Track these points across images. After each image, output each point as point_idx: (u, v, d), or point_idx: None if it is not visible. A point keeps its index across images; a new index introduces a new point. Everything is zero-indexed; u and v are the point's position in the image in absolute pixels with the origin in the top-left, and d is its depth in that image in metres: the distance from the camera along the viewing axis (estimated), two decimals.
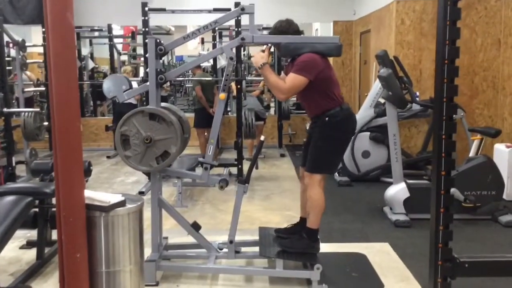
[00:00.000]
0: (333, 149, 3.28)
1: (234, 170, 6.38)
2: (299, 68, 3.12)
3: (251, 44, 3.38)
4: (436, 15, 6.16)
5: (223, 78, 3.41)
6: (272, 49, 4.05)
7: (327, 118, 3.21)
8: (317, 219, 3.29)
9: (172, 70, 4.12)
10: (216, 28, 8.64)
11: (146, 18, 5.83)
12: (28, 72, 8.57)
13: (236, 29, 6.05)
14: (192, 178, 3.45)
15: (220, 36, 9.75)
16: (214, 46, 8.64)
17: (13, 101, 8.24)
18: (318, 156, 3.27)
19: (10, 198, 3.11)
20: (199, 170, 5.82)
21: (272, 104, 10.51)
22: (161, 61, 3.49)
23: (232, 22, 6.47)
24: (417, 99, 5.79)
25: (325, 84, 3.20)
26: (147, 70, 3.43)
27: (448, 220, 2.05)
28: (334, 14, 9.22)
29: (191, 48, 14.69)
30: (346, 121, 3.28)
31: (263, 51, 3.29)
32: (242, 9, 3.34)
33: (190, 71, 8.21)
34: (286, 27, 3.35)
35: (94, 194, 2.18)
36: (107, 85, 3.34)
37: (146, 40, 3.54)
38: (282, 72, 3.51)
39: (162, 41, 3.36)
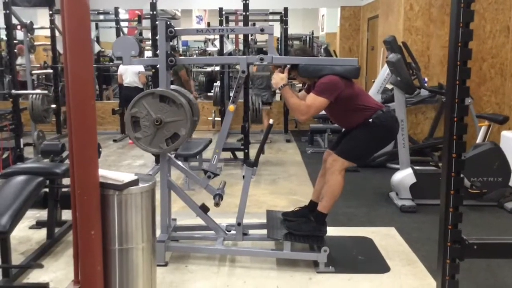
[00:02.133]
0: (372, 145, 3.35)
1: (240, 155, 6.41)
2: (320, 89, 3.17)
3: (269, 64, 3.40)
4: (445, 1, 6.10)
5: (234, 90, 3.42)
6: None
7: (371, 120, 3.24)
8: (330, 204, 3.32)
9: (182, 58, 4.13)
10: (223, 13, 8.61)
11: (154, 0, 5.81)
12: (31, 56, 8.56)
13: (244, 13, 6.03)
14: (193, 180, 3.45)
15: (227, 21, 9.71)
16: (220, 36, 8.60)
17: None
18: (355, 144, 3.31)
19: (21, 177, 3.16)
20: (205, 154, 5.90)
21: (278, 91, 10.52)
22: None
23: (239, 7, 6.47)
24: (426, 85, 5.78)
25: (351, 101, 3.24)
26: (157, 52, 3.42)
27: (458, 202, 2.06)
28: None
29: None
30: (391, 121, 3.32)
31: (282, 72, 3.31)
32: (262, 29, 3.35)
33: None
34: (301, 54, 3.42)
35: (108, 173, 2.20)
36: (117, 45, 3.32)
37: (156, 23, 3.53)
38: (303, 91, 3.54)
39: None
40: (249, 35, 7.91)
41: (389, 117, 3.31)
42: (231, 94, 7.94)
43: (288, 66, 3.33)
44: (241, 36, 8.18)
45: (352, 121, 3.33)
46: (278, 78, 3.27)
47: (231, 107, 3.36)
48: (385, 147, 3.45)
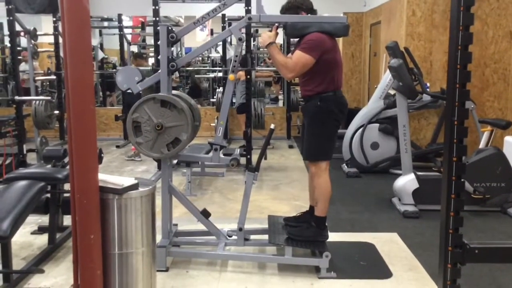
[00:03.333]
0: (325, 134, 3.30)
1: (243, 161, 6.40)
2: (306, 46, 3.13)
3: (258, 23, 3.40)
4: (447, 6, 6.10)
5: (232, 59, 3.41)
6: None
7: (319, 102, 3.22)
8: (324, 206, 3.32)
9: (182, 57, 4.14)
10: (226, 19, 8.64)
11: (157, 7, 5.84)
12: (35, 63, 8.61)
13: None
14: (203, 160, 3.48)
15: (230, 24, 9.73)
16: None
17: None
18: (312, 144, 3.30)
19: (23, 182, 3.16)
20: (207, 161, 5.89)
21: (280, 97, 10.52)
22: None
23: (242, 13, 6.49)
24: (428, 90, 5.77)
25: (329, 65, 3.21)
26: (159, 57, 3.44)
27: (459, 206, 2.05)
28: (344, 5, 9.15)
29: (200, 40, 14.69)
30: (336, 106, 3.28)
31: (270, 30, 3.30)
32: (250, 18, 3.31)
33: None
34: (300, 2, 3.35)
35: (108, 177, 2.21)
36: (120, 78, 3.36)
37: (158, 28, 3.54)
38: (290, 54, 3.52)
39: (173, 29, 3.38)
40: (252, 40, 7.90)
41: (333, 100, 3.24)
42: (234, 100, 7.88)
43: (276, 24, 3.32)
44: (244, 44, 8.21)
45: (314, 87, 3.25)
46: (266, 36, 3.25)
47: (231, 76, 3.34)
48: (337, 129, 3.38)
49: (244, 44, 3.92)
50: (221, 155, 3.47)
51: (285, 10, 3.38)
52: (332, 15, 3.75)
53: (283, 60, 3.20)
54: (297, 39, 3.36)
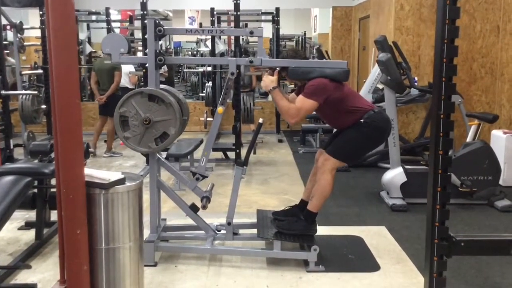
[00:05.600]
0: (364, 145, 3.36)
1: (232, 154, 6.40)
2: (309, 92, 3.17)
3: (259, 67, 3.40)
4: (435, 0, 6.12)
5: (223, 92, 3.40)
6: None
7: (362, 121, 3.25)
8: (320, 203, 3.32)
9: (173, 57, 4.12)
10: (215, 13, 8.60)
11: (145, 1, 5.79)
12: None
13: (235, 13, 6.03)
14: (182, 182, 3.42)
15: (219, 21, 9.70)
16: (212, 37, 8.59)
17: None
18: (346, 144, 3.32)
19: (9, 178, 3.12)
20: (196, 154, 5.88)
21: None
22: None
23: (231, 7, 6.46)
24: (416, 84, 5.80)
25: (341, 103, 3.25)
26: (146, 51, 3.41)
27: (445, 199, 2.07)
28: None
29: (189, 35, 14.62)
30: (383, 121, 3.33)
31: (272, 74, 3.31)
32: (251, 32, 3.35)
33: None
34: (293, 55, 3.41)
35: (94, 171, 2.19)
36: (106, 42, 3.29)
37: (146, 21, 3.51)
38: (293, 93, 3.55)
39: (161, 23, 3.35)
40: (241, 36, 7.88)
41: (381, 117, 3.32)
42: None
43: (277, 68, 3.32)
44: (233, 37, 8.17)
45: (343, 123, 3.34)
46: (268, 81, 3.26)
47: (220, 109, 3.35)
48: (376, 148, 3.44)
49: (233, 38, 3.91)
50: (198, 185, 3.43)
51: (285, 57, 3.44)
52: (333, 61, 3.79)
53: (286, 106, 3.21)
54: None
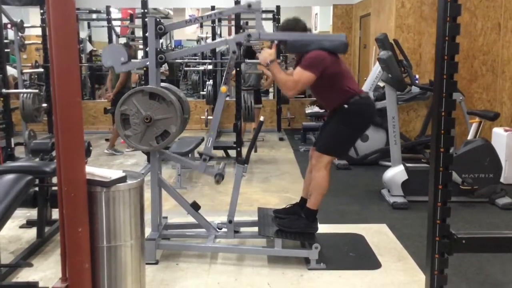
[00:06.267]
0: (349, 134, 3.34)
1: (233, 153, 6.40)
2: (306, 64, 3.15)
3: (257, 41, 3.37)
4: None
5: (225, 71, 3.40)
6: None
7: (346, 106, 3.24)
8: (318, 200, 3.33)
9: (173, 52, 4.11)
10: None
11: None
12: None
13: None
14: (190, 167, 3.43)
15: (219, 20, 9.69)
16: (213, 29, 8.59)
17: None
18: (332, 138, 3.32)
19: (10, 176, 3.12)
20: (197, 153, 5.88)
21: (271, 89, 10.51)
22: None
23: (231, 5, 6.45)
24: (417, 82, 5.79)
25: (336, 79, 3.23)
26: (147, 49, 3.41)
27: (446, 197, 2.06)
28: None
29: (190, 32, 14.61)
30: (366, 108, 3.32)
31: (270, 47, 3.30)
32: (249, 5, 3.31)
33: None
34: (293, 25, 3.38)
35: (95, 169, 2.19)
36: (106, 54, 3.31)
37: (146, 20, 3.52)
38: (291, 68, 3.53)
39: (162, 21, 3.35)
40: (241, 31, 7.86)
41: (363, 103, 3.29)
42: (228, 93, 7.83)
43: (276, 42, 3.31)
44: (233, 34, 8.17)
45: (332, 101, 3.32)
46: (266, 54, 3.24)
47: (223, 88, 3.33)
48: (362, 134, 3.42)
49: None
50: (208, 164, 3.44)
51: (284, 29, 3.40)
52: (331, 34, 3.77)
53: (284, 78, 3.20)
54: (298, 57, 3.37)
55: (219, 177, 3.38)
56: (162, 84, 3.49)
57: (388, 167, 4.88)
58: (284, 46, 3.32)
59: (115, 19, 10.52)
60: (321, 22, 12.94)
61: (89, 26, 11.07)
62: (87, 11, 10.19)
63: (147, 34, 3.35)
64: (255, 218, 3.65)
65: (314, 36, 3.29)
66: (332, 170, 5.88)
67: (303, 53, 3.24)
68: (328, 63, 3.17)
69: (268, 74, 8.26)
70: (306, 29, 3.42)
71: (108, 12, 9.43)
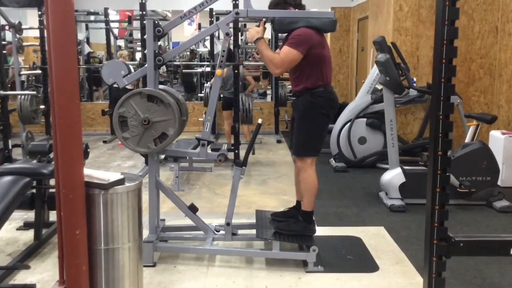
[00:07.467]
0: (316, 129, 3.31)
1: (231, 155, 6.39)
2: (293, 42, 3.13)
3: (246, 18, 3.35)
4: (434, 1, 6.13)
5: (220, 54, 3.39)
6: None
7: (310, 96, 3.23)
8: (311, 201, 3.33)
9: (169, 51, 4.11)
10: (214, 13, 8.60)
11: (144, 1, 5.80)
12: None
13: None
14: (190, 156, 3.46)
15: (217, 19, 9.70)
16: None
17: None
18: (301, 139, 3.31)
19: (8, 178, 3.11)
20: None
21: (268, 91, 10.52)
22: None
23: (230, 7, 6.46)
24: (414, 85, 5.80)
25: (317, 60, 3.20)
26: (145, 52, 3.41)
27: (444, 200, 2.07)
28: (332, 0, 9.18)
29: (188, 34, 14.61)
30: (328, 102, 3.29)
31: (258, 25, 3.29)
32: (237, 13, 3.27)
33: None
34: (283, 1, 3.33)
35: (93, 172, 2.19)
36: (106, 72, 3.32)
37: (144, 22, 3.51)
38: (278, 49, 3.51)
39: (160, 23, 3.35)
40: (239, 35, 7.87)
41: (326, 96, 3.26)
42: (222, 95, 7.79)
43: (264, 19, 3.31)
44: (232, 38, 8.18)
45: (300, 81, 3.28)
46: (254, 32, 3.24)
47: (218, 71, 3.33)
48: (329, 123, 3.40)
49: (232, 38, 3.90)
50: (209, 151, 3.45)
51: (273, 5, 3.36)
52: (320, 10, 3.75)
53: (270, 56, 3.19)
54: (285, 35, 3.36)
55: (222, 157, 3.38)
56: (160, 86, 3.49)
57: (386, 169, 4.88)
58: (272, 24, 3.29)
59: (113, 21, 10.51)
60: None
61: (87, 28, 11.06)
62: (85, 12, 10.19)
63: (145, 36, 3.35)
64: (253, 220, 3.65)
65: (302, 14, 3.25)
66: (330, 173, 5.96)
67: (290, 31, 3.21)
68: (314, 41, 3.15)
69: (250, 80, 8.27)
70: (301, 4, 3.37)
71: (106, 14, 9.42)
